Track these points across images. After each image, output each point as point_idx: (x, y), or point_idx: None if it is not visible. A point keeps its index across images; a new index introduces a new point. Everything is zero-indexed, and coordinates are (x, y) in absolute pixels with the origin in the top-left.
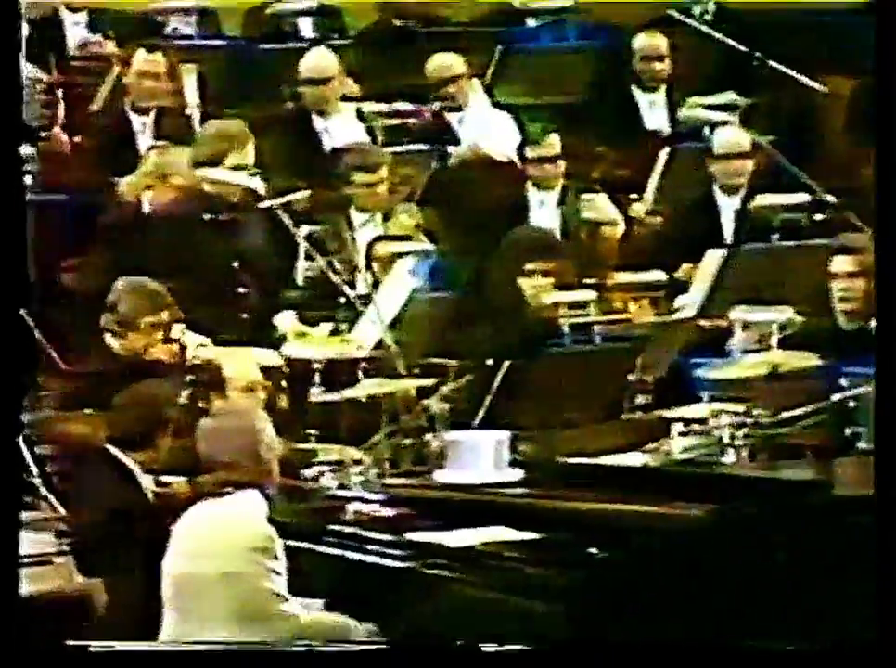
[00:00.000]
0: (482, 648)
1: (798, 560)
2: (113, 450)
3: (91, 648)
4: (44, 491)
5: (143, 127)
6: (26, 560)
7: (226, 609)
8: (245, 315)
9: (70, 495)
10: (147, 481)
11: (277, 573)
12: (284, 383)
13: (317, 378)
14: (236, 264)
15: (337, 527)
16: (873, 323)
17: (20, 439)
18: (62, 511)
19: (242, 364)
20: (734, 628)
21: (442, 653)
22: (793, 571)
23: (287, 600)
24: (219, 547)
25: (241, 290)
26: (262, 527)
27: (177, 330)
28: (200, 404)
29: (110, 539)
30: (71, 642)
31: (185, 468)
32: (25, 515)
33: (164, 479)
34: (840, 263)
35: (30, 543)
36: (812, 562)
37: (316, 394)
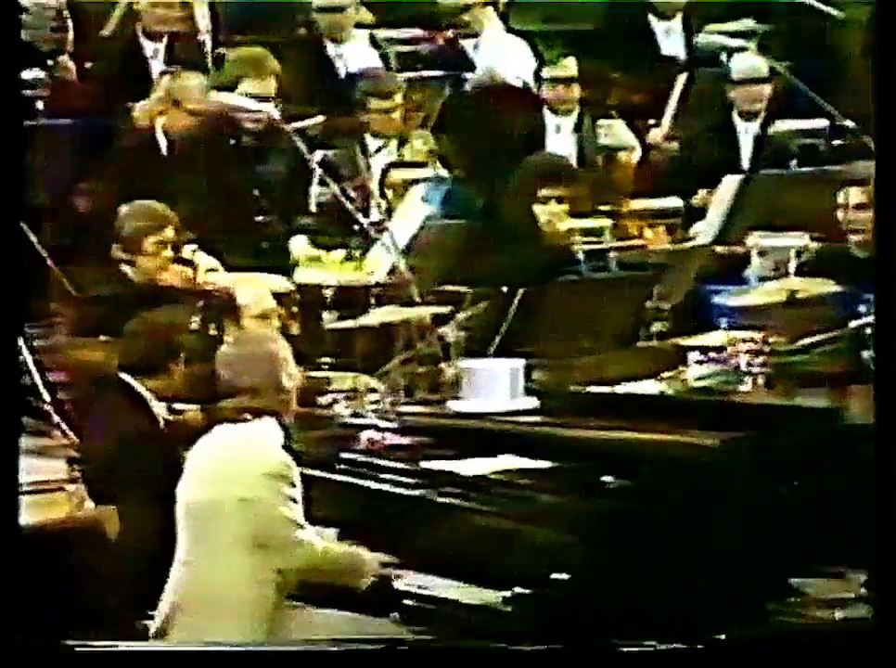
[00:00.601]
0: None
1: (811, 488)
2: (126, 378)
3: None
4: (56, 418)
5: (155, 53)
6: (38, 488)
7: (241, 535)
8: (257, 241)
9: (83, 423)
10: (159, 409)
11: (294, 500)
12: (296, 310)
13: (330, 304)
14: (249, 193)
15: (350, 455)
16: None
17: (31, 366)
18: (74, 439)
19: (256, 291)
20: (747, 556)
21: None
22: (806, 500)
23: (302, 528)
24: (235, 473)
25: (255, 217)
26: (279, 453)
27: (188, 251)
28: (213, 332)
29: (123, 467)
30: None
31: (199, 396)
32: (37, 442)
33: (177, 407)
34: (850, 196)
35: (41, 470)
36: (826, 490)
37: (330, 321)
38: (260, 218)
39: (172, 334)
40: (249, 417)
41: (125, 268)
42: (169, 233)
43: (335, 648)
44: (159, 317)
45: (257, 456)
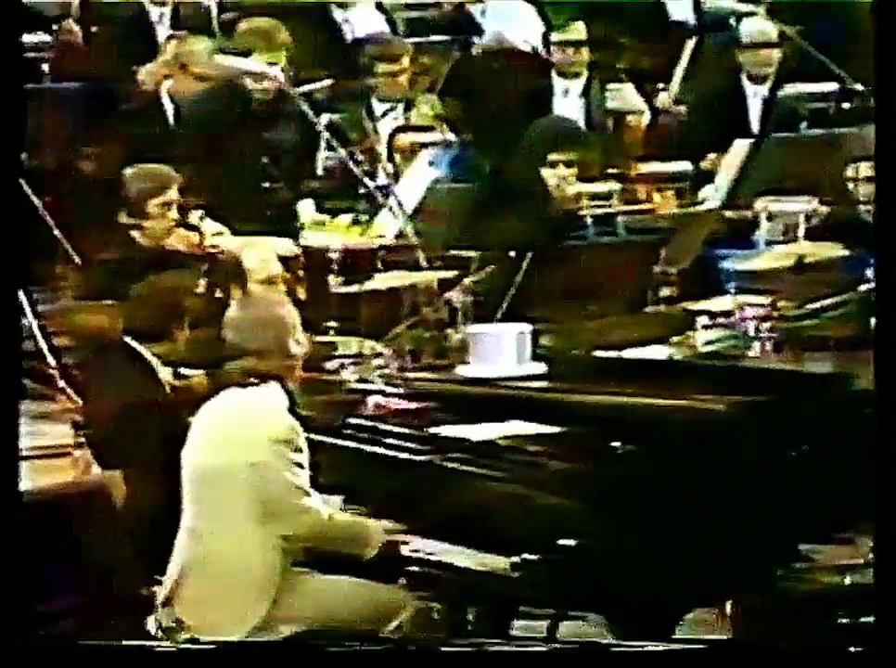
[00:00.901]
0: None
1: (820, 454)
2: (131, 342)
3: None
4: (61, 383)
5: (160, 17)
6: (43, 452)
7: (247, 501)
8: (263, 206)
9: (88, 388)
10: (165, 374)
11: (300, 466)
12: (301, 274)
13: (336, 268)
14: (255, 157)
15: (357, 420)
16: None
17: (36, 331)
18: (80, 403)
19: (262, 255)
20: (755, 522)
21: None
22: (815, 465)
23: (308, 494)
24: (241, 438)
25: (261, 181)
26: (286, 419)
27: (195, 217)
28: (219, 296)
29: (128, 431)
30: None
31: (204, 361)
32: (43, 407)
33: (183, 371)
34: (860, 169)
35: (47, 435)
36: (834, 455)
37: (336, 285)
38: (266, 183)
39: (178, 298)
40: (254, 380)
41: (131, 232)
42: (173, 194)
43: (336, 648)
44: (164, 281)
45: (263, 421)
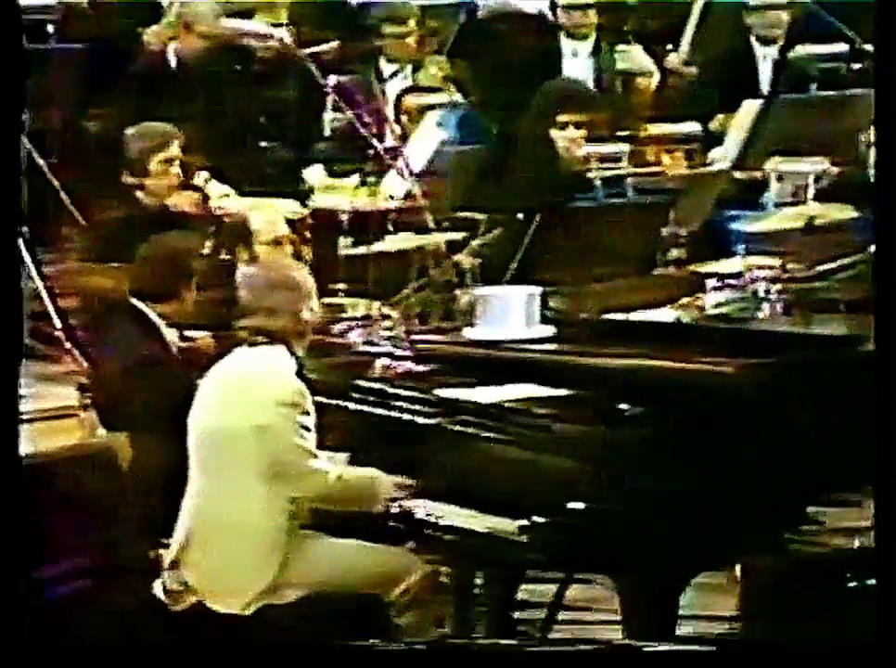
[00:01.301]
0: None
1: (828, 416)
2: (137, 303)
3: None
4: (67, 344)
5: None
6: (49, 414)
7: (254, 463)
8: (271, 168)
9: (94, 349)
10: (171, 335)
11: (307, 429)
12: (308, 235)
13: (344, 230)
14: (262, 119)
15: (364, 383)
16: None
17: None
18: (85, 365)
19: (269, 217)
20: (763, 484)
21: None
22: (823, 428)
23: (316, 457)
24: (248, 401)
25: (268, 143)
26: (293, 381)
27: (200, 179)
28: (226, 257)
29: (134, 393)
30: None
31: (210, 322)
32: (48, 369)
33: (189, 333)
34: (871, 135)
35: (53, 396)
36: (843, 418)
37: (343, 247)
38: (272, 144)
39: (184, 259)
40: (262, 339)
41: (135, 193)
42: (174, 150)
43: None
44: (170, 242)
45: (270, 383)
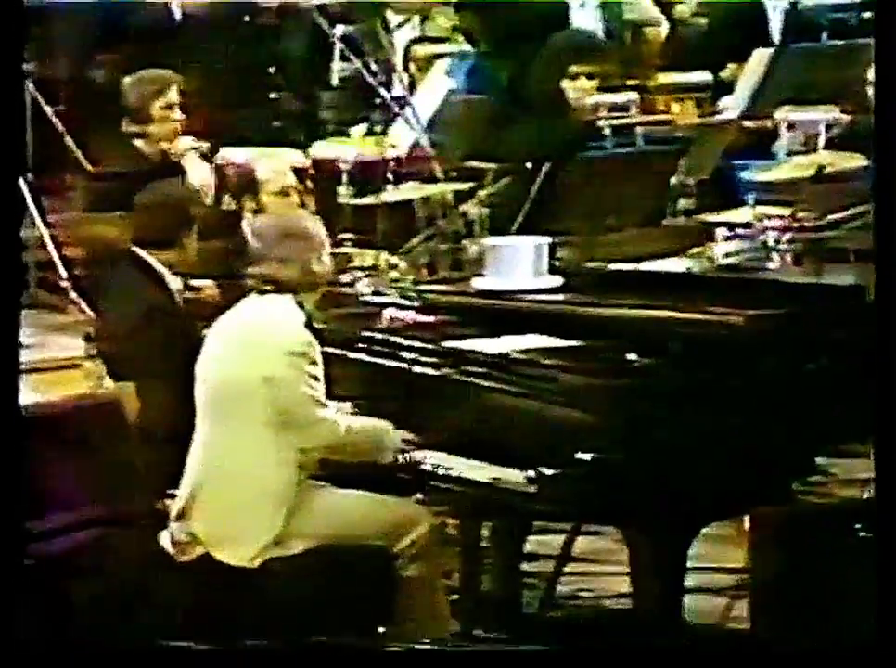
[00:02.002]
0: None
1: (838, 366)
2: (139, 251)
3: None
4: (72, 294)
5: None
6: (55, 364)
7: (263, 414)
8: (280, 120)
9: (99, 299)
10: (175, 284)
11: (315, 379)
12: (311, 185)
13: (346, 179)
14: (274, 68)
15: (371, 334)
16: None
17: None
18: (91, 315)
19: (275, 166)
20: (773, 435)
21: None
22: (833, 378)
23: (324, 406)
24: (257, 351)
25: (277, 94)
26: (301, 332)
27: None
28: (232, 207)
29: (140, 343)
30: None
31: (214, 271)
32: (55, 319)
33: (194, 283)
34: None
35: (59, 346)
36: (853, 368)
37: (350, 197)
38: (281, 94)
39: (183, 205)
40: (271, 288)
41: (137, 142)
42: (173, 96)
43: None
44: (168, 189)
45: (279, 333)
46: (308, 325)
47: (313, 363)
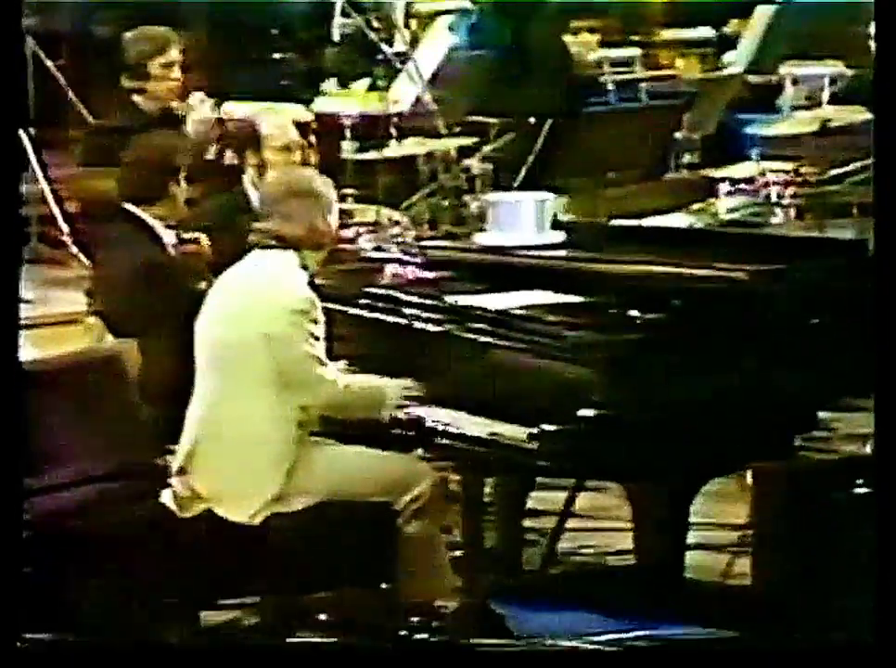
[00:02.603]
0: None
1: (841, 321)
2: (129, 207)
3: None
4: (73, 249)
5: None
6: (57, 319)
7: (263, 372)
8: (280, 76)
9: (98, 255)
10: (168, 237)
11: (316, 337)
12: (314, 140)
13: (349, 134)
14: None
15: (373, 290)
16: None
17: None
18: (91, 270)
19: (278, 121)
20: (775, 390)
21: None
22: (836, 333)
23: (325, 364)
24: (258, 308)
25: (280, 54)
26: (303, 290)
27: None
28: (235, 162)
29: (136, 298)
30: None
31: (214, 226)
32: (55, 273)
33: (187, 236)
34: None
35: (60, 301)
36: (856, 322)
37: (352, 152)
38: (284, 55)
39: (166, 156)
40: (275, 243)
41: (136, 97)
42: (173, 54)
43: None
44: (151, 141)
45: (280, 291)
46: (311, 284)
47: (314, 321)
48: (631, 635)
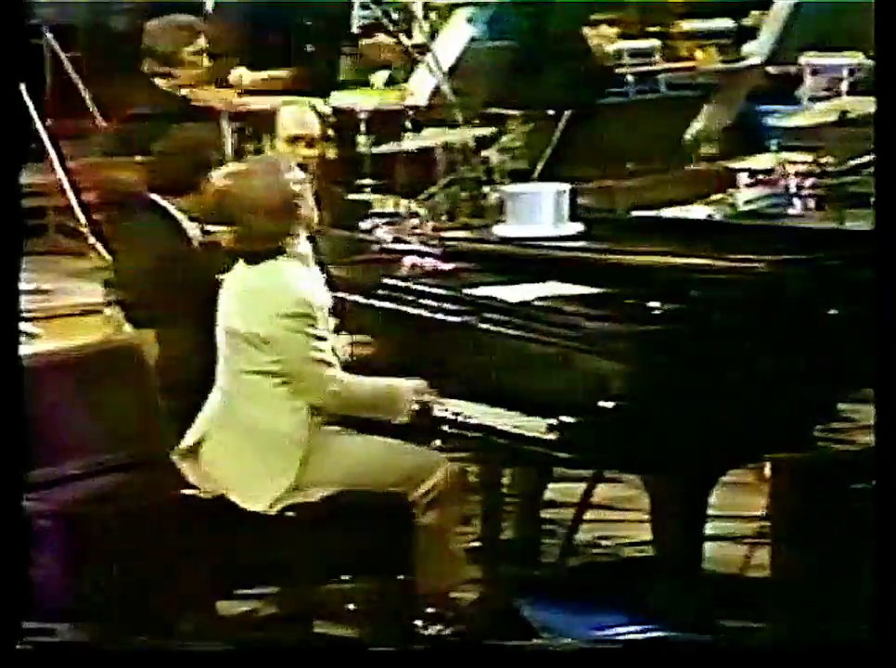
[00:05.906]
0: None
1: (861, 311)
2: (156, 198)
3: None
4: (92, 240)
5: None
6: (75, 310)
7: (271, 368)
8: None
9: (118, 245)
10: (193, 230)
11: (318, 338)
12: (333, 133)
13: (372, 127)
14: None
15: (392, 281)
16: None
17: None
18: (110, 261)
19: (295, 114)
20: (795, 381)
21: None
22: (856, 323)
23: (331, 365)
24: (254, 313)
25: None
26: (295, 292)
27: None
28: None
29: (158, 289)
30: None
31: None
32: (74, 265)
33: (211, 228)
34: None
35: (79, 292)
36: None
37: (370, 144)
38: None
39: (200, 151)
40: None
41: (159, 81)
42: (202, 42)
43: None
44: (186, 134)
45: (271, 297)
46: (326, 275)
47: (313, 322)
48: (644, 636)
